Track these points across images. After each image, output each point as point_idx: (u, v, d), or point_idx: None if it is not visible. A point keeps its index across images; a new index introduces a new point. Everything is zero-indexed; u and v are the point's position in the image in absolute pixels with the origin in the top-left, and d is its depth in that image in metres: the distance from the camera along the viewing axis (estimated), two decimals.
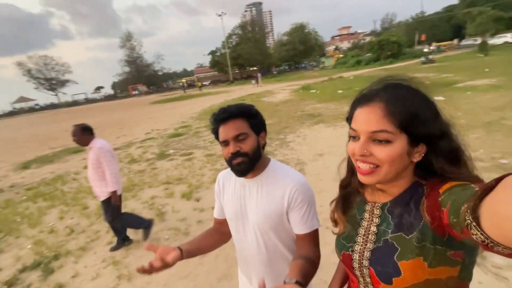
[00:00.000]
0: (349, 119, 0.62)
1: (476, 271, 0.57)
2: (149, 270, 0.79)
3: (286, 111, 9.67)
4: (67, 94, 63.43)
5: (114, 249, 2.84)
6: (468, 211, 0.38)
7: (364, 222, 0.65)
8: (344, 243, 0.67)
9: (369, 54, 34.62)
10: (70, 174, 6.00)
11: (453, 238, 0.48)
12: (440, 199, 0.49)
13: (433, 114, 0.55)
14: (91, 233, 3.30)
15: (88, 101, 54.98)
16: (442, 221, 0.48)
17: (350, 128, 0.59)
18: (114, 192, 2.60)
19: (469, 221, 0.38)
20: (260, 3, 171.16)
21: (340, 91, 12.39)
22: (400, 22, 58.97)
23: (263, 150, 0.96)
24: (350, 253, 0.65)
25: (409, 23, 51.25)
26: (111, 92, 76.52)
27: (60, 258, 2.86)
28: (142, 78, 59.98)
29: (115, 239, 3.02)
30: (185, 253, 0.91)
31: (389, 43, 29.69)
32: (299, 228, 0.89)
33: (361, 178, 0.59)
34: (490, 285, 1.56)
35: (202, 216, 3.26)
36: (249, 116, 0.90)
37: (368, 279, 0.61)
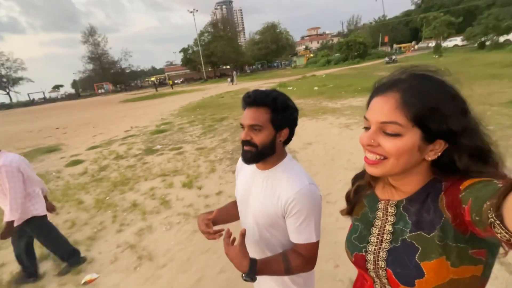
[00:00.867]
0: (367, 107, 0.61)
1: None
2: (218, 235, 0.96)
3: None
4: (20, 93, 57.99)
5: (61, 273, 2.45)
6: (491, 208, 0.37)
7: (377, 221, 0.62)
8: (357, 244, 0.65)
9: (337, 54, 36.41)
10: (51, 173, 5.72)
11: (476, 236, 0.47)
12: (461, 195, 0.48)
13: (456, 110, 0.51)
14: (95, 224, 3.30)
15: (46, 100, 50.62)
16: (463, 218, 0.46)
17: (364, 117, 0.58)
18: (10, 223, 2.05)
19: (493, 219, 0.37)
20: (231, 1, 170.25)
21: (316, 88, 13.02)
22: (364, 25, 62.42)
23: (285, 146, 0.94)
24: (364, 253, 0.62)
25: (372, 25, 54.59)
26: (71, 91, 71.40)
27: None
28: (108, 76, 56.69)
29: (126, 228, 3.08)
30: (219, 221, 1.06)
31: (356, 44, 31.53)
32: (293, 237, 0.88)
33: (367, 168, 0.58)
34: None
35: (208, 201, 3.42)
36: (274, 108, 0.85)
37: (385, 280, 0.59)
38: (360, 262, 0.63)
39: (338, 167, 3.94)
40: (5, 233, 2.09)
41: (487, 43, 22.60)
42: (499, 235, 0.37)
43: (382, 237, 0.60)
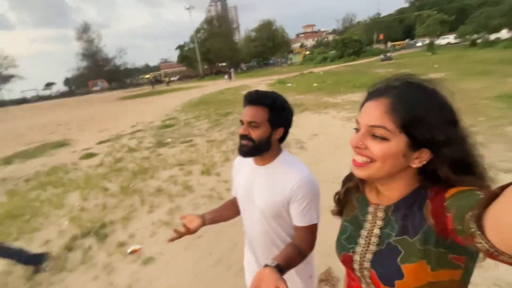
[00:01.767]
0: (360, 110, 0.63)
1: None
2: (176, 236, 1.05)
3: None
4: (12, 90, 57.10)
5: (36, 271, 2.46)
6: (473, 219, 0.38)
7: (367, 224, 0.65)
8: (345, 244, 0.68)
9: (333, 52, 36.87)
10: (67, 165, 5.96)
11: (456, 243, 0.48)
12: (445, 203, 0.49)
13: (442, 120, 0.53)
14: (126, 207, 3.59)
15: (40, 98, 50.11)
16: (446, 226, 0.48)
17: (356, 120, 0.60)
18: None
19: (474, 230, 0.38)
20: None
21: (315, 84, 13.40)
22: (359, 22, 63.01)
23: (280, 144, 1.01)
24: (351, 254, 0.65)
25: (367, 23, 55.18)
26: (64, 88, 70.51)
27: (107, 227, 3.15)
28: (102, 74, 56.30)
29: (156, 209, 3.39)
30: (208, 221, 1.12)
31: (352, 41, 32.01)
32: (297, 220, 0.95)
33: (353, 169, 0.60)
34: None
35: (228, 186, 3.73)
36: (272, 108, 0.93)
37: (369, 280, 0.62)
38: (347, 262, 0.67)
39: (344, 154, 4.27)
40: None
41: (479, 41, 23.27)
42: (479, 245, 0.38)
43: (370, 239, 0.63)
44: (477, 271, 0.57)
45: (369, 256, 0.61)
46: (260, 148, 0.95)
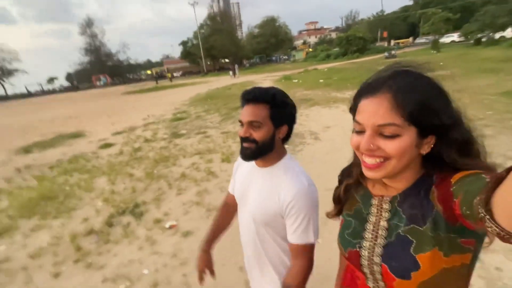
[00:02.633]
0: (352, 109, 0.60)
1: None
2: (203, 277, 1.12)
3: None
4: (15, 85, 57.17)
5: None
6: (481, 204, 0.38)
7: (371, 217, 0.63)
8: (350, 240, 0.65)
9: (337, 49, 36.88)
10: (87, 154, 6.19)
11: (465, 227, 0.48)
12: (452, 189, 0.49)
13: (444, 103, 0.53)
14: (154, 190, 3.82)
15: (44, 92, 50.28)
16: (454, 211, 0.48)
17: (355, 120, 0.57)
18: None
19: (483, 214, 0.38)
20: None
21: (321, 81, 13.55)
22: (362, 20, 62.78)
23: (284, 143, 0.94)
24: (358, 249, 0.63)
25: (370, 21, 54.99)
26: (66, 83, 70.63)
27: (140, 206, 3.38)
28: (106, 69, 56.31)
29: (184, 192, 3.61)
30: (211, 244, 1.15)
31: (356, 38, 32.01)
32: (291, 237, 0.88)
33: (367, 172, 0.57)
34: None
35: None
36: (273, 105, 0.86)
37: (378, 276, 0.59)
38: (354, 258, 0.64)
39: None
40: None
41: (483, 39, 23.30)
42: (489, 229, 0.38)
43: (377, 233, 0.60)
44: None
45: (378, 250, 0.59)
46: (264, 150, 0.88)
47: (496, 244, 0.52)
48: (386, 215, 0.60)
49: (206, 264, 1.13)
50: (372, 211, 0.63)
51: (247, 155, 0.89)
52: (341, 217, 0.73)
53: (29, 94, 48.58)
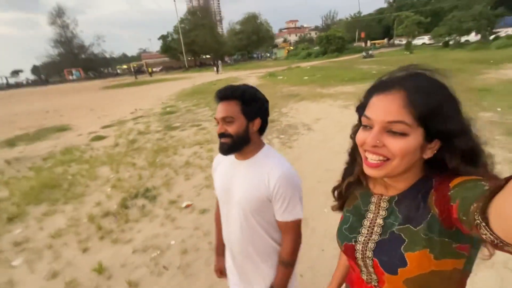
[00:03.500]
0: (360, 107, 0.61)
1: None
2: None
3: (267, 92, 10.34)
4: None
5: None
6: (477, 211, 0.39)
7: (369, 214, 0.65)
8: (347, 234, 0.68)
9: (317, 48, 37.92)
10: (79, 146, 6.12)
11: (461, 232, 0.48)
12: (449, 193, 0.49)
13: (455, 110, 0.53)
14: (161, 176, 3.97)
15: (10, 86, 46.80)
16: (450, 215, 0.48)
17: (364, 115, 0.58)
18: None
19: (479, 221, 0.39)
20: None
21: (305, 78, 14.06)
22: (340, 20, 64.72)
23: (261, 135, 1.00)
24: (353, 243, 0.66)
25: (348, 21, 56.91)
26: (31, 76, 66.21)
27: (151, 191, 3.54)
28: (77, 62, 53.54)
29: (191, 177, 3.81)
30: (223, 248, 1.20)
31: (336, 38, 33.13)
32: (281, 216, 0.96)
33: (368, 170, 0.58)
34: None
35: None
36: (243, 101, 0.92)
37: (371, 269, 0.63)
38: (349, 252, 0.67)
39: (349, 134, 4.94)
40: None
41: (451, 42, 25.18)
42: (484, 236, 0.38)
43: (373, 229, 0.63)
44: None
45: (371, 245, 0.62)
46: (240, 143, 0.94)
47: None
48: (383, 213, 0.63)
49: (221, 266, 1.24)
50: (370, 208, 0.66)
51: (225, 149, 0.95)
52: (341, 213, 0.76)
53: None
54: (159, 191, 3.54)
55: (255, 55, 57.13)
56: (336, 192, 0.77)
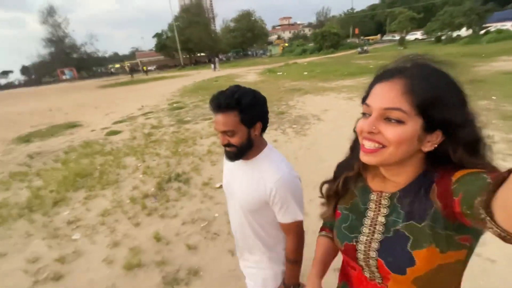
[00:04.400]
0: (365, 98, 0.60)
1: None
2: None
3: (269, 87, 11.12)
4: None
5: None
6: (482, 205, 0.39)
7: (370, 212, 0.64)
8: (347, 234, 0.66)
9: (312, 44, 38.30)
10: (98, 140, 6.33)
11: (463, 224, 0.49)
12: (452, 187, 0.49)
13: (458, 101, 0.52)
14: (188, 164, 4.26)
15: (1, 86, 46.01)
16: (453, 209, 0.48)
17: (364, 103, 0.58)
18: None
19: (483, 215, 0.39)
20: None
21: (305, 73, 14.40)
22: (334, 16, 65.24)
23: (262, 134, 1.00)
24: (355, 243, 0.64)
25: (342, 18, 57.47)
26: (20, 77, 65.11)
27: (182, 175, 3.83)
28: (71, 61, 52.74)
29: (217, 163, 4.11)
30: None
31: (331, 34, 33.54)
32: (280, 218, 0.98)
33: (363, 157, 0.58)
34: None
35: (275, 145, 4.54)
36: (241, 110, 0.89)
37: (374, 269, 0.61)
38: (350, 252, 0.65)
39: None
40: None
41: (443, 37, 25.83)
42: (490, 230, 0.39)
43: (375, 228, 0.61)
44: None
45: (374, 245, 0.60)
46: (244, 150, 0.96)
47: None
48: (384, 211, 0.61)
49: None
50: (370, 206, 0.64)
51: (232, 157, 0.98)
52: (337, 210, 0.72)
53: None
54: (190, 175, 3.83)
55: (250, 52, 57.26)
56: (326, 189, 0.74)
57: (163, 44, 44.99)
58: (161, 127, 6.87)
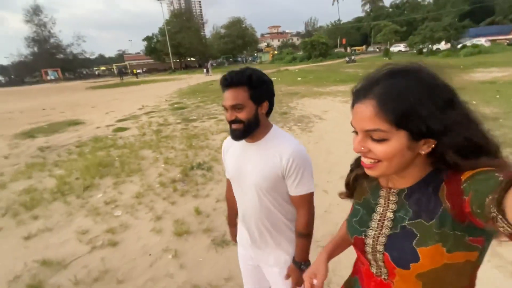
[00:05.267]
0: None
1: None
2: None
3: None
4: None
5: None
6: (493, 203, 0.39)
7: (379, 207, 0.65)
8: (357, 227, 0.69)
9: (301, 52, 39.52)
10: (106, 136, 6.49)
11: (473, 225, 0.49)
12: (462, 186, 0.49)
13: (434, 108, 0.50)
14: (205, 155, 4.56)
15: None
16: (463, 209, 0.48)
17: (351, 123, 0.59)
18: None
19: (495, 214, 0.39)
20: None
21: (299, 79, 15.03)
22: (321, 27, 67.51)
23: (268, 117, 1.03)
24: (363, 237, 0.66)
25: (329, 28, 59.63)
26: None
27: (203, 164, 4.13)
28: (55, 62, 51.30)
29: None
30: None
31: (319, 43, 34.80)
32: (294, 190, 1.01)
33: (365, 170, 0.61)
34: None
35: None
36: (251, 86, 0.93)
37: (381, 263, 0.63)
38: (359, 245, 0.68)
39: None
40: None
41: (424, 50, 27.55)
42: (501, 229, 0.39)
43: (383, 223, 0.63)
44: None
45: (382, 239, 0.62)
46: (251, 127, 0.97)
47: None
48: (392, 206, 0.62)
49: (235, 234, 1.37)
50: (380, 202, 0.66)
51: (238, 135, 0.98)
52: (351, 204, 0.77)
53: None
54: (211, 164, 4.14)
55: (239, 59, 58.05)
56: (345, 182, 0.78)
57: (153, 48, 44.87)
58: (168, 124, 7.11)
